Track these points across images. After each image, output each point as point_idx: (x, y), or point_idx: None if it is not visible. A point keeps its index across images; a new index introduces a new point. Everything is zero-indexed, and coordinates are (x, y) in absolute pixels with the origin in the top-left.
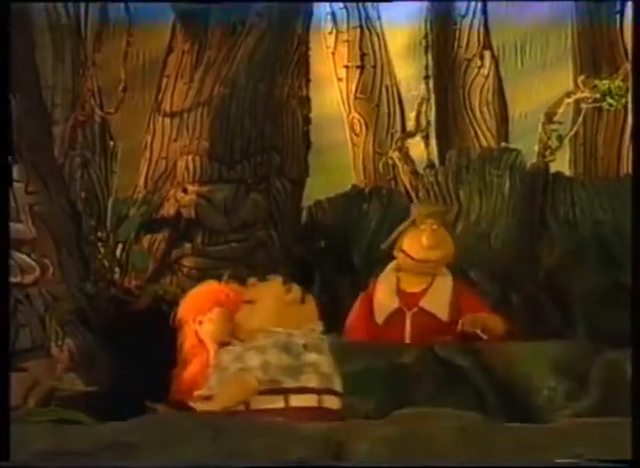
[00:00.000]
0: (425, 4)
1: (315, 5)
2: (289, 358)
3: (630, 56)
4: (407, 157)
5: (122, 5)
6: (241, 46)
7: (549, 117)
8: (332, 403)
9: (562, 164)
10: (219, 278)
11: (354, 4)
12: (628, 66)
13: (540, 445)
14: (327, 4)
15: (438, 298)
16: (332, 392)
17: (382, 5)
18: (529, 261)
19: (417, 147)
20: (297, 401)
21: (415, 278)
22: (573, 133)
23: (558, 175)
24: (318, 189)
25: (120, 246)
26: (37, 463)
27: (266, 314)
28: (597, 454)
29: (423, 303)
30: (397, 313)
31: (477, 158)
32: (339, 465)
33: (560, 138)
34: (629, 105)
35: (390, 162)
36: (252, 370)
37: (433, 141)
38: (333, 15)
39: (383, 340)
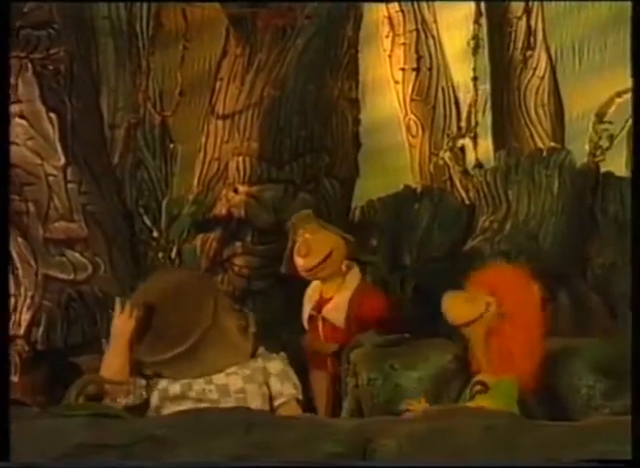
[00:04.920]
0: (481, 6)
1: (371, 9)
2: None
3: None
4: (457, 157)
5: (179, 9)
6: (290, 49)
7: (600, 117)
8: None
9: (619, 164)
10: (267, 277)
11: (410, 7)
12: None
13: (567, 443)
14: (384, 8)
15: (337, 306)
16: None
17: (439, 8)
18: (578, 260)
19: (471, 147)
20: None
21: (329, 283)
22: (624, 132)
23: (608, 174)
24: (375, 190)
25: (172, 245)
26: (75, 456)
27: None
28: (625, 453)
29: (325, 311)
30: (312, 319)
31: (526, 158)
32: (365, 465)
33: (611, 138)
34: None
35: (442, 162)
36: None
37: (484, 142)
38: (389, 18)
39: (309, 342)
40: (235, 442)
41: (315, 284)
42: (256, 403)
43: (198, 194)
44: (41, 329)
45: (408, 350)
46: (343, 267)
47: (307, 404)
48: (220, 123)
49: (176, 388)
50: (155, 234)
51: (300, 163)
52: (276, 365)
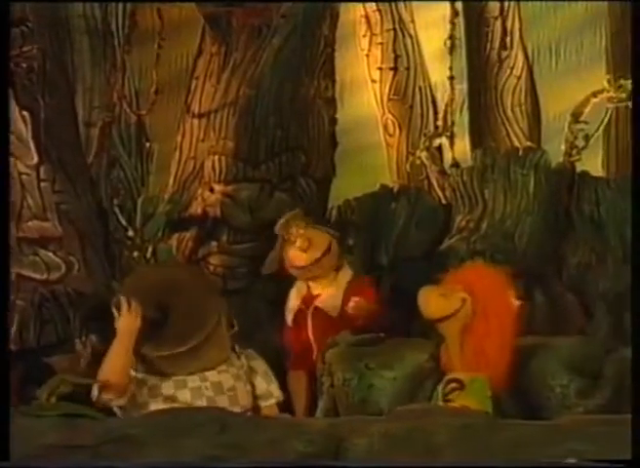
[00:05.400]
0: (458, 6)
1: (348, 8)
2: None
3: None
4: (434, 156)
5: (154, 8)
6: (266, 48)
7: (576, 117)
8: None
9: (594, 163)
10: (242, 276)
11: (388, 7)
12: None
13: (540, 442)
14: (361, 7)
15: (331, 296)
16: None
17: (416, 7)
18: (553, 260)
19: (447, 147)
20: None
21: (319, 280)
22: (600, 132)
23: (584, 174)
24: (353, 190)
25: (147, 243)
26: (46, 457)
27: None
28: (597, 452)
29: (318, 302)
30: (300, 314)
31: (502, 157)
32: (336, 465)
33: (587, 138)
34: None
35: (418, 162)
36: None
37: (460, 141)
38: (366, 17)
39: (291, 340)
40: (207, 442)
41: (301, 282)
42: (245, 401)
43: (174, 193)
44: (14, 328)
45: (383, 349)
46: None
47: (284, 403)
48: (195, 122)
49: (169, 385)
50: (130, 233)
51: (275, 162)
52: (260, 364)
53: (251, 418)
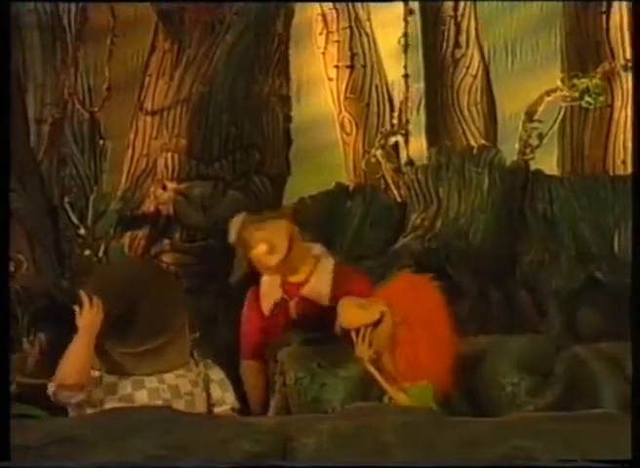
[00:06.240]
0: (415, 5)
1: (304, 6)
2: None
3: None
4: (390, 155)
5: (107, 4)
6: (219, 44)
7: (530, 115)
8: None
9: (548, 162)
10: (196, 275)
11: (344, 5)
12: (607, 65)
13: (487, 439)
14: (317, 6)
15: (319, 285)
16: None
17: (372, 6)
18: (507, 258)
19: (402, 145)
20: None
21: (297, 268)
22: (553, 131)
23: (537, 172)
24: (309, 188)
25: (99, 242)
26: None
27: None
28: (544, 449)
29: (305, 291)
30: (281, 303)
31: (457, 155)
32: (284, 464)
33: (540, 137)
34: (616, 104)
35: (374, 160)
36: None
37: (417, 139)
38: (323, 15)
39: (270, 330)
40: (154, 442)
41: (272, 276)
42: (201, 408)
43: (126, 191)
44: None
45: (335, 348)
46: (312, 251)
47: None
48: (148, 119)
49: (127, 384)
50: (82, 231)
51: (229, 160)
52: (217, 372)
53: (198, 418)
